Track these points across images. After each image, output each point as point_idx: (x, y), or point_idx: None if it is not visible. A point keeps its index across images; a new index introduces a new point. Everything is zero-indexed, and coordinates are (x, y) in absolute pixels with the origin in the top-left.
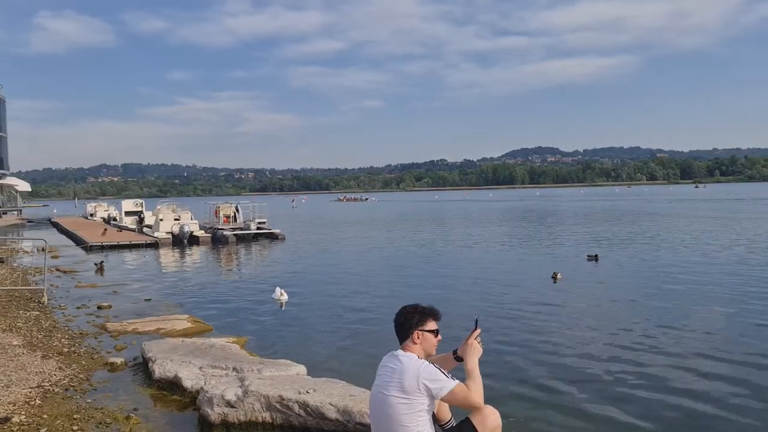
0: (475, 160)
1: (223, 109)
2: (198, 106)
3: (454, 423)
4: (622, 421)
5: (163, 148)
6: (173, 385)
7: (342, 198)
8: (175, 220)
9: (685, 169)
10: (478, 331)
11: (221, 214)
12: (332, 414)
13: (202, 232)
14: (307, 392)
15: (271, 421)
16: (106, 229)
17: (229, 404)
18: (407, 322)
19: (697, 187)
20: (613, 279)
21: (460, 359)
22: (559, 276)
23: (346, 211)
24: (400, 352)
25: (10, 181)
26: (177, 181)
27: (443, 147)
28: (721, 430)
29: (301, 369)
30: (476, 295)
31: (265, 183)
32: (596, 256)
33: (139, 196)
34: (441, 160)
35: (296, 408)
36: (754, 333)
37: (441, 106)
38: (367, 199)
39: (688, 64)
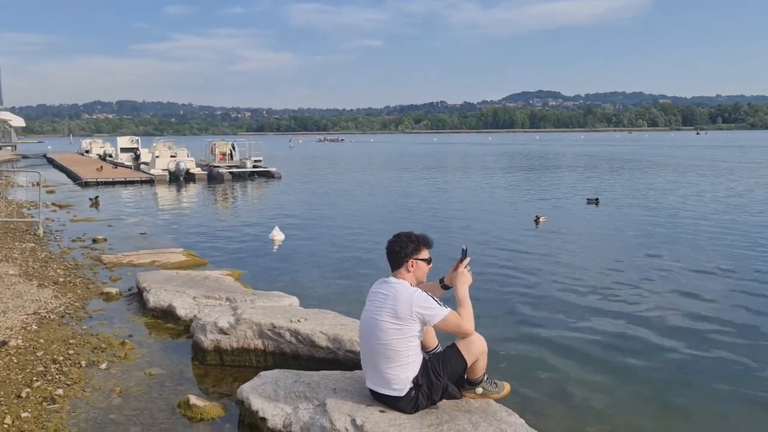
0: (475, 102)
1: (219, 46)
2: (194, 43)
3: (440, 349)
4: (592, 358)
5: (158, 85)
6: (167, 313)
7: (323, 139)
8: (172, 157)
9: (687, 115)
10: (468, 260)
11: (217, 151)
12: (323, 342)
13: (199, 169)
14: (298, 321)
15: (263, 348)
16: (101, 166)
17: (221, 331)
18: (402, 251)
19: (698, 133)
20: (607, 224)
21: (446, 287)
22: (542, 219)
23: (337, 151)
24: (392, 278)
25: (4, 116)
26: (173, 119)
27: (443, 89)
28: (710, 375)
29: (294, 300)
30: (456, 233)
31: (263, 123)
32: (597, 199)
33: (135, 134)
34: (440, 102)
35: (287, 335)
36: (752, 284)
37: (441, 47)
38: (343, 140)
39: (695, 6)
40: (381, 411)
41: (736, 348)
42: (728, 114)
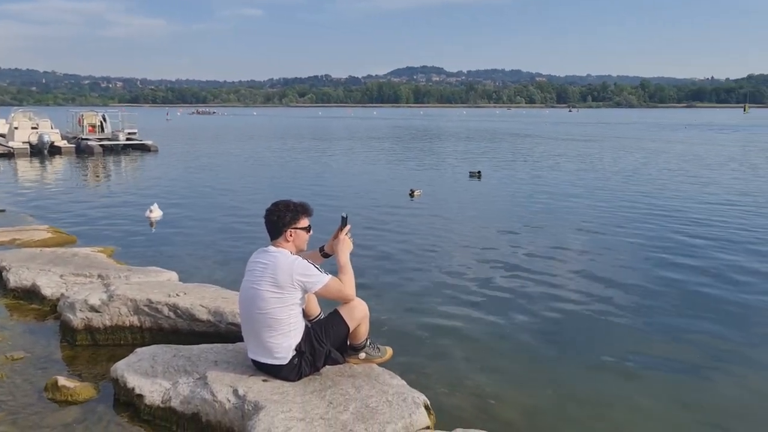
0: (360, 77)
1: (84, 9)
2: (56, 5)
3: (323, 317)
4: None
5: (15, 50)
6: (31, 293)
7: (195, 111)
8: (33, 128)
9: (561, 93)
10: (348, 227)
11: (86, 123)
12: (203, 315)
13: (65, 142)
14: (177, 295)
15: (139, 324)
16: None
17: (93, 309)
18: (280, 221)
19: (570, 111)
20: (484, 195)
21: (327, 255)
22: (417, 193)
23: (218, 124)
24: (271, 248)
25: None
26: (34, 88)
27: (328, 62)
28: (580, 329)
29: (173, 275)
30: (334, 203)
31: (137, 94)
32: (479, 172)
33: None
34: (325, 75)
35: (165, 311)
36: (618, 248)
37: (326, 20)
38: (214, 112)
39: None
40: (264, 380)
41: (605, 303)
42: (597, 93)
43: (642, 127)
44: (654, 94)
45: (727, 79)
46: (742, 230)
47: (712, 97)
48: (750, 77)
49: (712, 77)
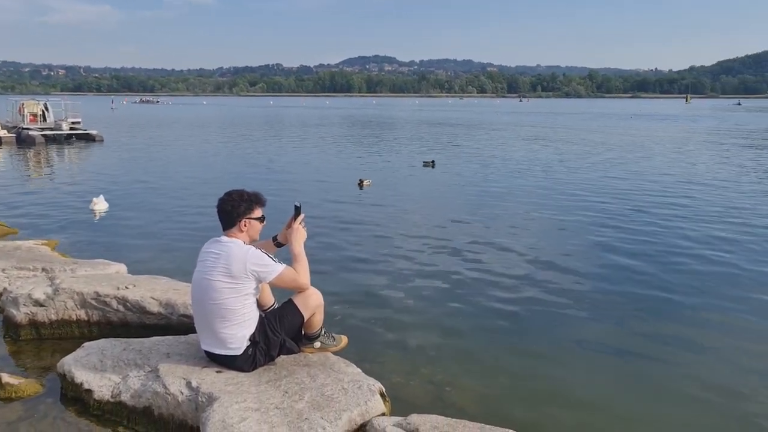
0: (311, 66)
1: None
2: None
3: (277, 306)
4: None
5: None
6: None
7: (140, 100)
8: None
9: (511, 83)
10: (302, 216)
11: (26, 111)
12: (154, 308)
13: (5, 131)
14: (126, 288)
15: (86, 318)
16: None
17: (37, 303)
18: (234, 211)
19: (521, 101)
20: (435, 184)
21: (280, 245)
22: (366, 183)
23: (167, 113)
24: (224, 237)
25: None
26: None
27: (279, 51)
28: (540, 323)
29: (121, 267)
30: (282, 194)
31: (80, 82)
32: (433, 162)
33: None
34: (276, 64)
35: (114, 304)
36: (570, 234)
37: (277, 8)
38: (158, 102)
39: None
40: (218, 371)
41: (558, 289)
42: (547, 83)
43: (590, 117)
44: (601, 84)
45: (670, 70)
46: (690, 216)
47: (656, 88)
48: (692, 69)
49: (656, 68)
